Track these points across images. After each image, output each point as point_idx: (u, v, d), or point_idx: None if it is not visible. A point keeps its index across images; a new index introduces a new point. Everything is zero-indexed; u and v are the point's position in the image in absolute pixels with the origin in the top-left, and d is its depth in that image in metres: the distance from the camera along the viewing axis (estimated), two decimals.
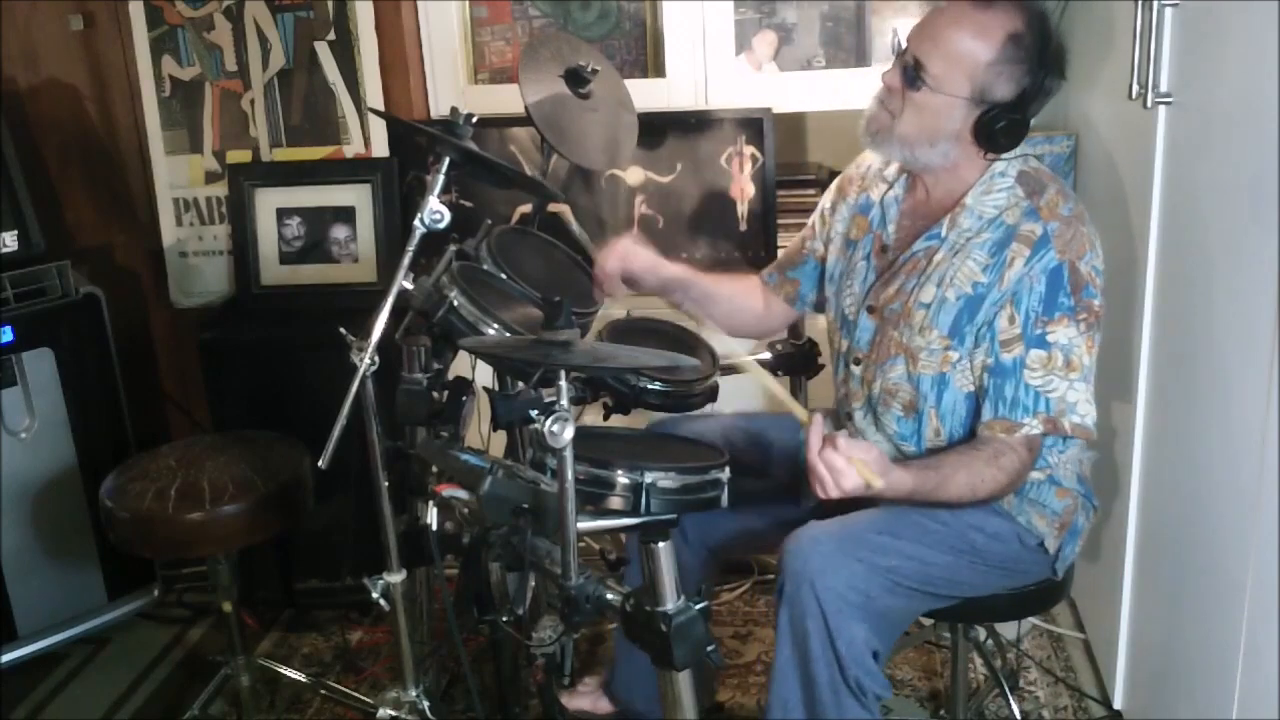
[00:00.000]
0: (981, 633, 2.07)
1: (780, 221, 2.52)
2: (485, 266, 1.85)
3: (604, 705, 2.10)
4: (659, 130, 2.50)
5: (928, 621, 2.23)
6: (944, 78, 1.56)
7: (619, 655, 2.06)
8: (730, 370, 1.93)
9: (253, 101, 2.66)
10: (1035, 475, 1.65)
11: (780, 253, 2.07)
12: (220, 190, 2.69)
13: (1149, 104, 1.69)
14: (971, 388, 1.63)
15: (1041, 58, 1.55)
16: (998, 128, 1.56)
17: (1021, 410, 1.56)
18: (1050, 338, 1.54)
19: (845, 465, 1.43)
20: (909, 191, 1.74)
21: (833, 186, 1.89)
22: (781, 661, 1.56)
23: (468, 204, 2.61)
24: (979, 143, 1.59)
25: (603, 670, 2.29)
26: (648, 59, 2.68)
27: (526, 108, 1.99)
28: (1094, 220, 1.62)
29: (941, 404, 1.66)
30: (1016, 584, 1.69)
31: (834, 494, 1.46)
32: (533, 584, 1.73)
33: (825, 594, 1.49)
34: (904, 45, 1.61)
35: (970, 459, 1.58)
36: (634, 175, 2.55)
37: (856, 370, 1.76)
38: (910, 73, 1.58)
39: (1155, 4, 1.65)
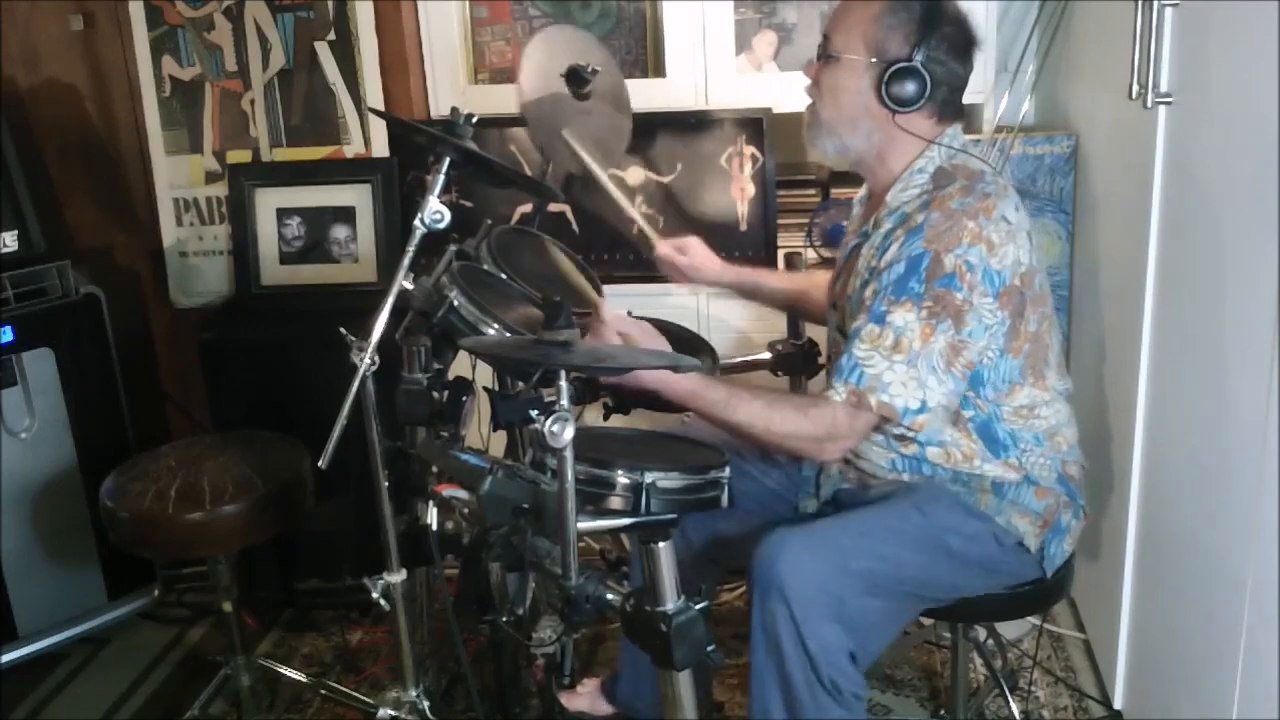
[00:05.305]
0: (981, 633, 2.06)
1: (780, 221, 2.51)
2: (485, 266, 1.85)
3: (603, 706, 2.10)
4: (659, 130, 2.50)
5: (928, 621, 2.23)
6: (844, 43, 1.65)
7: (624, 659, 2.06)
8: (731, 371, 1.93)
9: (253, 101, 2.66)
10: (1012, 476, 1.66)
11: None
12: (220, 190, 2.69)
13: (1149, 104, 1.69)
14: None
15: (929, 14, 1.61)
16: (893, 78, 1.61)
17: (837, 374, 1.59)
18: (889, 316, 1.56)
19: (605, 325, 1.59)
20: (871, 193, 1.79)
21: None
22: (758, 664, 1.56)
23: (468, 204, 2.61)
24: (885, 103, 1.62)
25: (603, 671, 2.29)
26: (648, 59, 2.68)
27: (521, 107, 1.99)
28: (1096, 220, 1.61)
29: None
30: (1003, 584, 1.69)
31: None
32: (533, 584, 1.74)
33: (795, 598, 1.50)
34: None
35: (779, 397, 1.64)
36: (634, 175, 2.55)
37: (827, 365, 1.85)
38: (821, 50, 1.69)
39: (1155, 4, 1.65)
